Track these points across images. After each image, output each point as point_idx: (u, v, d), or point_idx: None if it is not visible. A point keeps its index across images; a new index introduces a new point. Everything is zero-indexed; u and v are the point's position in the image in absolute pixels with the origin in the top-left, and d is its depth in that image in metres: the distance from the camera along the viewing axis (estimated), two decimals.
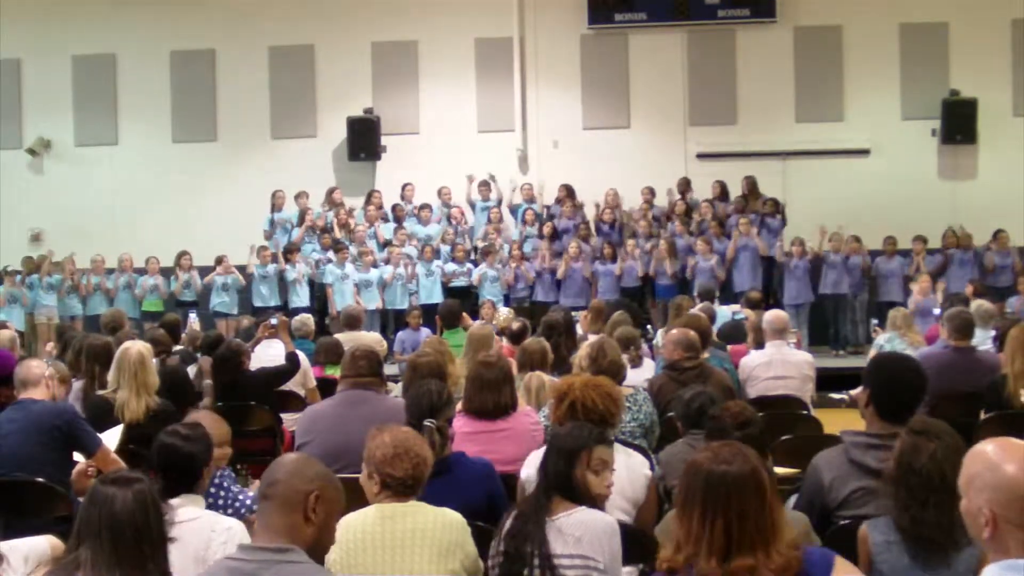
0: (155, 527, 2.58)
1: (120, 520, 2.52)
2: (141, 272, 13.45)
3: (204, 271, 13.32)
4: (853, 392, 4.72)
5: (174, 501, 3.23)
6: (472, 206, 14.15)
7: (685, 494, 2.48)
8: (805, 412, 6.21)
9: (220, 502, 3.81)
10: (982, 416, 5.68)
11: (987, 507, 2.09)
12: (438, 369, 4.87)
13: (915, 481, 2.99)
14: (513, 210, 14.26)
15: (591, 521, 3.19)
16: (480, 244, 13.64)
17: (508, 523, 3.21)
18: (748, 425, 3.73)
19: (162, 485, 3.26)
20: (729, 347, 7.56)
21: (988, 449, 2.17)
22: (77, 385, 5.99)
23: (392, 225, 13.85)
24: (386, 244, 13.52)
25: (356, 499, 3.71)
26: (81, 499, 4.29)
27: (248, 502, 3.86)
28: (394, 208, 14.01)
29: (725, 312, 10.19)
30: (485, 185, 14.19)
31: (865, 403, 3.67)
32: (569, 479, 3.25)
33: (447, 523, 3.19)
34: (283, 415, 6.75)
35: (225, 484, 3.94)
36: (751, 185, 13.81)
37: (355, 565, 3.08)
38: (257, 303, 12.93)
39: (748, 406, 3.98)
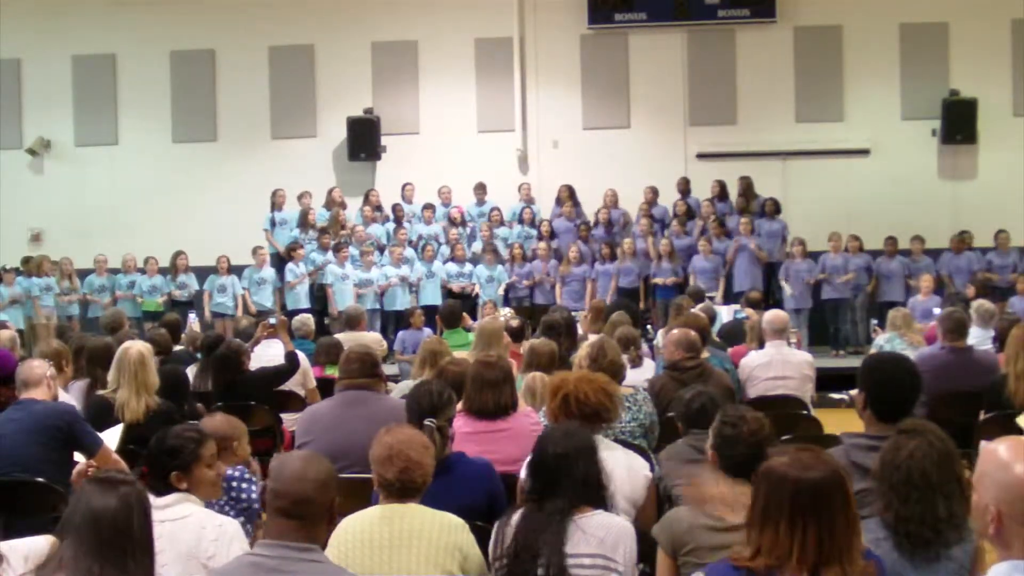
0: (138, 528, 2.58)
1: (99, 516, 2.53)
2: (140, 272, 13.46)
3: (204, 271, 13.31)
4: (853, 392, 4.75)
5: (166, 499, 3.25)
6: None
7: (767, 501, 2.42)
8: (805, 412, 6.21)
9: (234, 494, 3.91)
10: (982, 416, 5.69)
11: (993, 505, 2.13)
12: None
13: (897, 478, 3.00)
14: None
15: (612, 524, 3.22)
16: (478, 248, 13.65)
17: (518, 520, 3.20)
18: (759, 446, 3.37)
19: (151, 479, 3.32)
20: (730, 348, 7.56)
21: (1000, 448, 2.20)
22: (79, 385, 6.00)
23: (390, 226, 13.85)
24: (382, 248, 13.49)
25: (356, 499, 3.73)
26: None
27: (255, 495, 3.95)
28: (394, 208, 14.01)
29: (725, 312, 10.20)
30: (481, 188, 14.19)
31: (862, 406, 3.68)
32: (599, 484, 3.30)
33: (444, 525, 3.19)
34: (283, 415, 6.76)
35: (247, 476, 4.02)
36: (746, 186, 13.81)
37: (352, 565, 3.08)
38: (256, 306, 12.90)
39: (763, 421, 3.56)
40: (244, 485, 3.97)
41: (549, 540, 3.11)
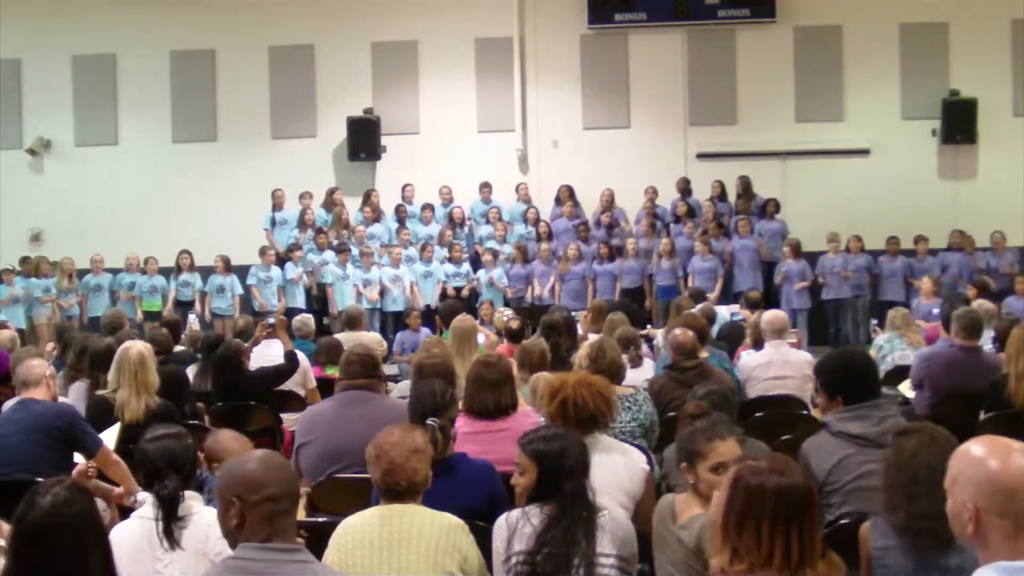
0: (81, 530, 2.58)
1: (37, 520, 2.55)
2: (141, 272, 13.45)
3: (204, 271, 13.31)
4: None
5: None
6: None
7: (745, 506, 2.42)
8: (805, 412, 6.21)
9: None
10: (982, 416, 5.68)
11: (970, 501, 2.13)
12: (445, 371, 4.86)
13: (903, 478, 3.01)
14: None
15: (624, 523, 3.23)
16: (479, 248, 13.64)
17: (543, 522, 3.15)
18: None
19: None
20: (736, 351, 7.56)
21: (972, 448, 2.22)
22: (81, 385, 5.99)
23: (391, 225, 13.85)
24: (386, 246, 13.50)
25: (357, 499, 3.72)
26: None
27: None
28: (397, 209, 14.00)
29: (723, 313, 10.18)
30: (486, 187, 14.19)
31: (828, 403, 3.95)
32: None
33: (444, 526, 3.18)
34: (283, 415, 6.75)
35: None
36: (744, 186, 13.81)
37: (351, 565, 3.08)
38: (257, 305, 12.90)
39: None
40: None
41: (582, 543, 3.10)
